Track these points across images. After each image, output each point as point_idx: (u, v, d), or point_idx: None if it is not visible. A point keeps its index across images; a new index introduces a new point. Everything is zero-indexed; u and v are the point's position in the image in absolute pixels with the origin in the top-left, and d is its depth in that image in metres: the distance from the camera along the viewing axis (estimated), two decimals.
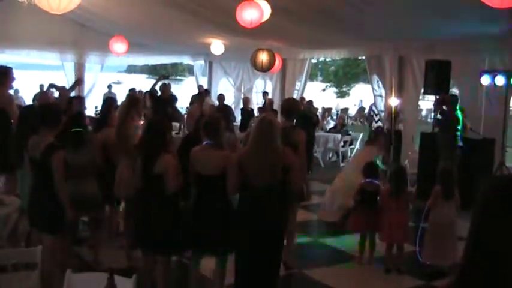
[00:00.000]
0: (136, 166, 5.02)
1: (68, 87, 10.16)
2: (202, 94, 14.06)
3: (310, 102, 13.55)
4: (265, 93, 16.94)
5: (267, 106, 14.21)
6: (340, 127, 15.97)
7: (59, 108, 5.70)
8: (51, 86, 9.48)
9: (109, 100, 7.48)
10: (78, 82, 12.21)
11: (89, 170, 5.83)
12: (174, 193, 4.84)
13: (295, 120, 6.58)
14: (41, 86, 16.72)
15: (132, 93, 12.04)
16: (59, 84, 10.13)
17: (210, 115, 6.13)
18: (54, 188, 4.83)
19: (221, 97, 14.98)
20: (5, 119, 6.91)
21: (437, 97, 10.03)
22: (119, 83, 40.95)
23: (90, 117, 10.12)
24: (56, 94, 9.49)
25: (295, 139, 5.75)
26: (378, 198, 6.58)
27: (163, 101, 11.60)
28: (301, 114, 9.51)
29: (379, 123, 15.40)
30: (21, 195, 5.62)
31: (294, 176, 4.74)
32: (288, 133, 5.47)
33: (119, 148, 6.16)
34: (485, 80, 9.75)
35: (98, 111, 10.74)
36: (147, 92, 11.61)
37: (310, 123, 12.11)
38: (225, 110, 9.42)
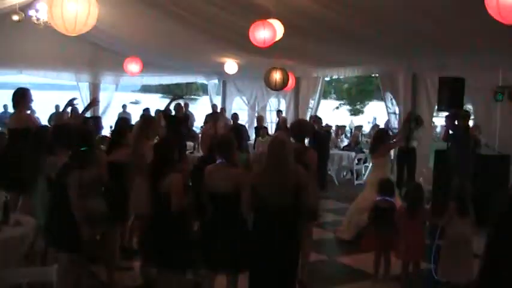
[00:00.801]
0: (147, 184, 5.08)
1: (83, 107, 10.20)
2: (217, 113, 14.12)
3: (319, 119, 13.32)
4: (279, 112, 16.96)
5: (281, 124, 14.21)
6: (354, 145, 15.90)
7: (72, 128, 5.76)
8: (68, 105, 9.52)
9: (123, 120, 7.50)
10: (93, 103, 12.23)
11: (96, 188, 5.85)
12: (182, 211, 4.85)
13: (307, 140, 6.59)
14: (57, 107, 16.85)
15: (147, 113, 12.11)
16: (77, 104, 10.13)
17: (222, 134, 6.18)
18: (70, 207, 4.87)
19: (235, 116, 15.02)
20: (26, 138, 6.95)
21: (449, 112, 9.99)
22: (137, 102, 41.30)
23: (105, 137, 10.15)
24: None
25: (307, 160, 5.74)
26: (394, 216, 6.51)
27: (178, 120, 11.69)
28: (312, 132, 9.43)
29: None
30: (37, 215, 5.65)
31: (308, 195, 4.74)
32: (299, 154, 5.46)
33: (134, 167, 6.19)
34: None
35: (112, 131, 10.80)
36: (161, 111, 11.70)
37: (321, 140, 11.96)
38: (238, 129, 9.45)
